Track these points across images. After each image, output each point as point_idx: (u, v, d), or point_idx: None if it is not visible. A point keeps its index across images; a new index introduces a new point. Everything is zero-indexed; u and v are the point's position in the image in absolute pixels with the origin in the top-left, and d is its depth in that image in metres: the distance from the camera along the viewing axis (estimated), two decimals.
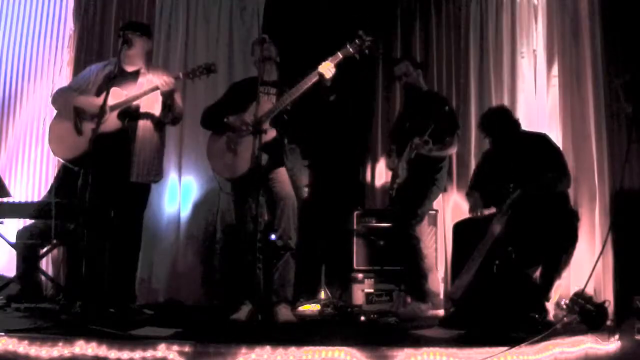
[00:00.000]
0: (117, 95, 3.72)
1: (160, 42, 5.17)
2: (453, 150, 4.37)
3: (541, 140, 3.97)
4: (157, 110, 3.85)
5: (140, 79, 3.86)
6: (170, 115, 3.91)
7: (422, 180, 4.27)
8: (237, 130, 3.85)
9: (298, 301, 4.32)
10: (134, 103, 3.77)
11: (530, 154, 3.85)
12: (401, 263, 4.34)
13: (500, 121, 4.03)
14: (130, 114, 3.79)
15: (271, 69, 4.02)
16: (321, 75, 3.69)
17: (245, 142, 3.81)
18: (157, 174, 3.93)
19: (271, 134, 3.74)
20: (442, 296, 4.55)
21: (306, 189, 4.12)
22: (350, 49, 3.71)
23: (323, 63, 3.70)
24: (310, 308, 4.33)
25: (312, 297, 4.59)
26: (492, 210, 3.98)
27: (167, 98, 3.81)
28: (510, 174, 3.83)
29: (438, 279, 4.60)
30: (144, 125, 3.82)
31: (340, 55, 3.71)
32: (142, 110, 3.81)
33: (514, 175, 3.80)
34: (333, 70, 3.70)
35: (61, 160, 3.89)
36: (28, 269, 4.28)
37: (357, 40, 3.71)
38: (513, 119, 4.07)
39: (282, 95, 3.87)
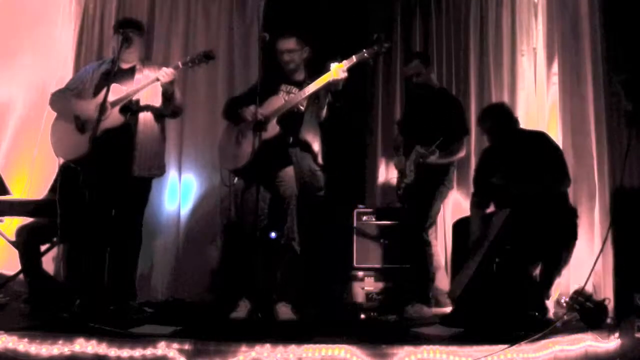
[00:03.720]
0: (116, 91, 3.72)
1: (160, 39, 5.17)
2: (460, 155, 4.33)
3: (540, 138, 3.97)
4: (156, 104, 3.85)
5: (137, 76, 3.86)
6: (171, 106, 3.90)
7: (430, 181, 4.23)
8: (244, 120, 3.86)
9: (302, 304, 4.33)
10: (134, 97, 3.77)
11: (529, 152, 3.85)
12: (408, 263, 4.34)
13: (500, 117, 4.04)
14: (131, 108, 3.79)
15: (296, 71, 3.99)
16: (333, 80, 3.64)
17: (250, 135, 3.81)
18: (159, 168, 3.92)
19: (273, 131, 3.73)
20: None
21: (321, 192, 4.05)
22: (366, 54, 3.64)
23: (335, 65, 3.63)
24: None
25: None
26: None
27: (168, 89, 3.80)
28: (509, 172, 3.84)
29: (446, 277, 4.61)
30: (144, 119, 3.82)
31: (354, 59, 3.64)
32: (141, 103, 3.80)
33: (512, 172, 3.81)
34: (345, 74, 3.63)
35: (63, 160, 3.87)
36: (28, 266, 4.27)
37: (375, 46, 3.64)
38: (513, 116, 4.08)
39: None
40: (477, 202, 4.06)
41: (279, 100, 3.84)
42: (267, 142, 3.69)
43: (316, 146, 3.97)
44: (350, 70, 3.65)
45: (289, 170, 3.90)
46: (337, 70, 3.62)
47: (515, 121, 4.07)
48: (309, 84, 3.85)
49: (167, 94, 3.83)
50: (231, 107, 4.07)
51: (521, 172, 3.78)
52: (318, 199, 3.98)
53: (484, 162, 4.21)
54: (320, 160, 3.98)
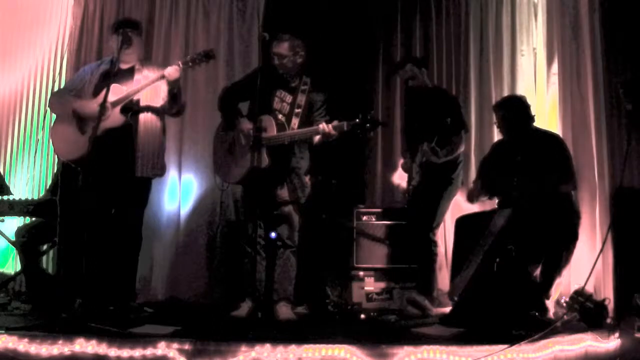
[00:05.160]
0: (117, 91, 3.71)
1: (160, 40, 5.17)
2: (461, 150, 4.34)
3: (554, 140, 3.99)
4: (157, 104, 3.84)
5: (137, 76, 3.84)
6: (176, 105, 3.90)
7: (438, 181, 4.25)
8: (241, 138, 3.89)
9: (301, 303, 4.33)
10: (135, 97, 3.76)
11: (540, 152, 3.86)
12: (412, 263, 4.35)
13: (518, 109, 4.05)
14: (131, 108, 3.78)
15: (292, 74, 3.98)
16: (324, 136, 3.74)
17: (245, 153, 3.84)
18: (161, 168, 3.91)
19: (264, 162, 3.75)
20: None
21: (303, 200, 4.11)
22: (358, 130, 3.69)
23: (326, 127, 3.70)
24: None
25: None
26: (495, 204, 4.01)
27: (174, 87, 3.79)
28: (518, 168, 3.84)
29: (447, 277, 4.60)
30: (144, 119, 3.81)
31: (345, 127, 3.70)
32: (142, 104, 3.79)
33: (520, 170, 3.82)
34: (333, 135, 3.71)
35: (64, 160, 3.86)
36: (28, 266, 4.28)
37: (368, 120, 3.67)
38: (530, 112, 4.08)
39: (296, 103, 3.92)
40: (479, 191, 4.08)
41: (271, 127, 3.83)
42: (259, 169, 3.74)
43: (306, 163, 4.02)
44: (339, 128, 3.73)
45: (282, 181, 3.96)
46: (325, 130, 3.69)
47: (530, 117, 4.06)
48: (304, 91, 3.93)
49: (173, 92, 3.82)
50: (227, 99, 4.08)
51: (532, 172, 3.79)
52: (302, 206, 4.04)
53: (494, 156, 4.22)
54: (308, 178, 4.04)
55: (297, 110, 3.91)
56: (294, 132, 3.84)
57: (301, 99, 3.93)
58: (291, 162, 3.95)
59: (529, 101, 4.40)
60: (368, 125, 3.67)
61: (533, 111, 4.16)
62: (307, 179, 4.02)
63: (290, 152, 3.92)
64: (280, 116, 3.90)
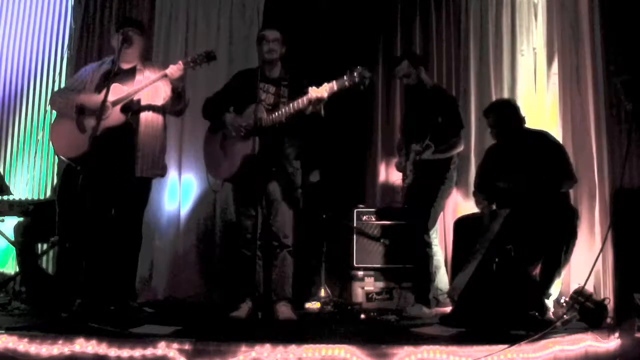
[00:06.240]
0: (117, 91, 3.70)
1: (160, 40, 5.18)
2: (458, 150, 4.33)
3: (544, 138, 3.98)
4: (158, 103, 3.84)
5: (138, 76, 3.84)
6: (181, 103, 3.89)
7: (431, 180, 4.24)
8: (231, 131, 3.88)
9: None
10: (135, 97, 3.76)
11: (533, 152, 3.86)
12: (408, 264, 4.35)
13: (504, 113, 4.03)
14: (132, 108, 3.77)
15: (273, 66, 4.00)
16: (312, 102, 3.69)
17: (236, 144, 3.83)
18: (162, 168, 3.90)
19: (257, 147, 3.74)
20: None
21: (299, 191, 4.08)
22: (346, 83, 3.65)
23: (315, 89, 3.66)
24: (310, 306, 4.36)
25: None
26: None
27: (178, 85, 3.79)
28: (513, 170, 3.84)
29: (446, 277, 4.61)
30: (145, 119, 3.80)
31: (335, 87, 3.67)
32: (143, 103, 3.79)
33: (516, 171, 3.82)
34: (323, 95, 3.66)
35: (63, 159, 3.86)
36: (25, 265, 4.28)
37: (355, 75, 3.63)
38: (518, 113, 4.07)
39: (280, 93, 3.90)
40: (483, 198, 4.08)
41: (260, 111, 3.82)
42: (252, 156, 3.73)
43: (295, 150, 4.00)
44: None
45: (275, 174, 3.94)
46: (317, 96, 3.65)
47: (521, 119, 4.05)
48: (284, 85, 3.92)
49: (178, 91, 3.82)
50: (212, 106, 4.07)
51: (525, 172, 3.79)
52: (297, 197, 4.01)
53: (488, 160, 4.22)
54: (299, 164, 4.02)
55: (282, 100, 3.90)
56: (286, 109, 3.77)
57: (284, 90, 3.93)
58: (282, 149, 3.92)
59: (530, 101, 4.41)
60: (357, 79, 3.62)
61: (524, 112, 4.15)
62: (298, 163, 4.01)
63: (280, 140, 3.90)
64: (267, 107, 3.89)
